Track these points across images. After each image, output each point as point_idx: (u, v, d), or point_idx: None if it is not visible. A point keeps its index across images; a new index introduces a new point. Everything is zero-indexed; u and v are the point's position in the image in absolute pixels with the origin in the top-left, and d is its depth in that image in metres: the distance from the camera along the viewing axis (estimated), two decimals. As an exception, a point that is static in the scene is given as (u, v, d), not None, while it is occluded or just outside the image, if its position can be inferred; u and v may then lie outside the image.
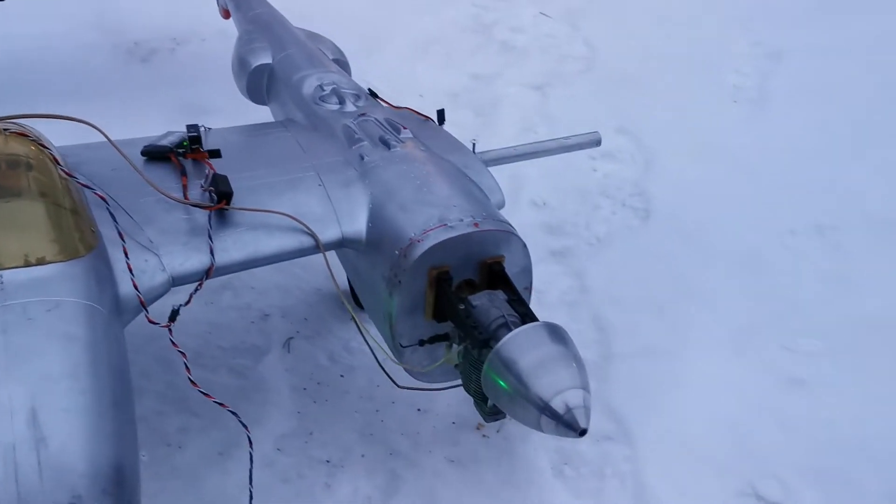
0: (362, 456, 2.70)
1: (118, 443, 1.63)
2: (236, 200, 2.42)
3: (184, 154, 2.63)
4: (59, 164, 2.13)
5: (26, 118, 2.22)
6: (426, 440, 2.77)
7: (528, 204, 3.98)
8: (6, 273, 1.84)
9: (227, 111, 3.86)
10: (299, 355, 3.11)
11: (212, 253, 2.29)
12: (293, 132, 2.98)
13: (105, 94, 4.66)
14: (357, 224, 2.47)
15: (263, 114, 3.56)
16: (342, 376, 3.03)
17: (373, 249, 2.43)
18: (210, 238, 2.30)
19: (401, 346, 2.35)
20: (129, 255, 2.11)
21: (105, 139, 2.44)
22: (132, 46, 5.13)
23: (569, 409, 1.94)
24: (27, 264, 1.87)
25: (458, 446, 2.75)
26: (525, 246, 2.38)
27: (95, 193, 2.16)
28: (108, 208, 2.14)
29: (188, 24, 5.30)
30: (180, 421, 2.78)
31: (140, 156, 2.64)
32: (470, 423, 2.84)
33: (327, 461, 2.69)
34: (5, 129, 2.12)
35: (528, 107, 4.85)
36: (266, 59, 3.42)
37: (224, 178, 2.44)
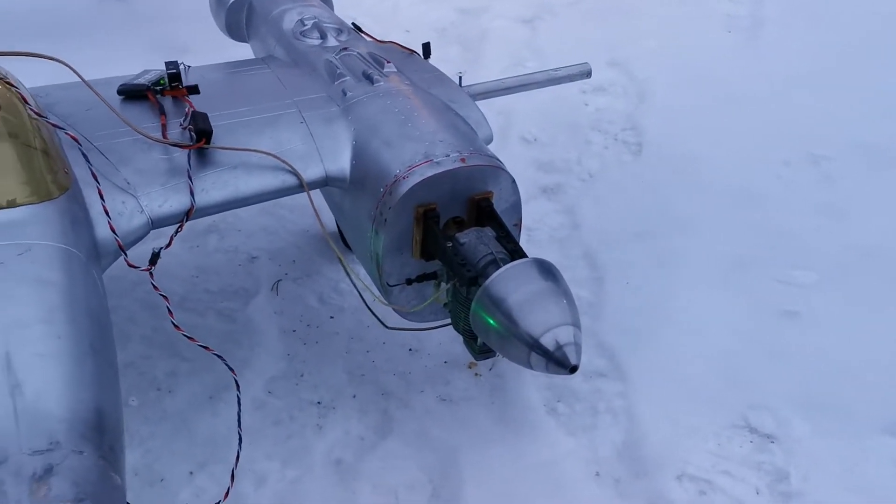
0: (354, 397, 2.69)
1: (97, 388, 1.59)
2: (216, 139, 2.35)
3: (161, 92, 2.54)
4: (27, 103, 2.04)
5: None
6: (418, 380, 2.75)
7: (518, 140, 3.90)
8: (-23, 216, 1.78)
9: (205, 50, 3.73)
10: (288, 297, 3.07)
11: (192, 194, 2.22)
12: (274, 68, 2.89)
13: (80, 33, 4.51)
14: (341, 161, 2.40)
15: (243, 52, 3.46)
16: (332, 318, 3.00)
17: (357, 187, 2.36)
18: (190, 178, 2.23)
19: (388, 285, 2.30)
20: (104, 197, 2.04)
21: (78, 79, 2.36)
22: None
23: (559, 346, 1.90)
24: (-2, 207, 1.81)
25: (450, 385, 2.73)
26: (514, 181, 2.31)
27: (67, 134, 2.08)
28: (80, 149, 2.06)
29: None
30: (169, 365, 2.75)
31: (116, 95, 2.56)
32: (461, 362, 2.82)
33: (318, 403, 2.67)
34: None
35: (516, 41, 4.74)
36: (245, -8, 3.30)
37: (204, 116, 2.36)
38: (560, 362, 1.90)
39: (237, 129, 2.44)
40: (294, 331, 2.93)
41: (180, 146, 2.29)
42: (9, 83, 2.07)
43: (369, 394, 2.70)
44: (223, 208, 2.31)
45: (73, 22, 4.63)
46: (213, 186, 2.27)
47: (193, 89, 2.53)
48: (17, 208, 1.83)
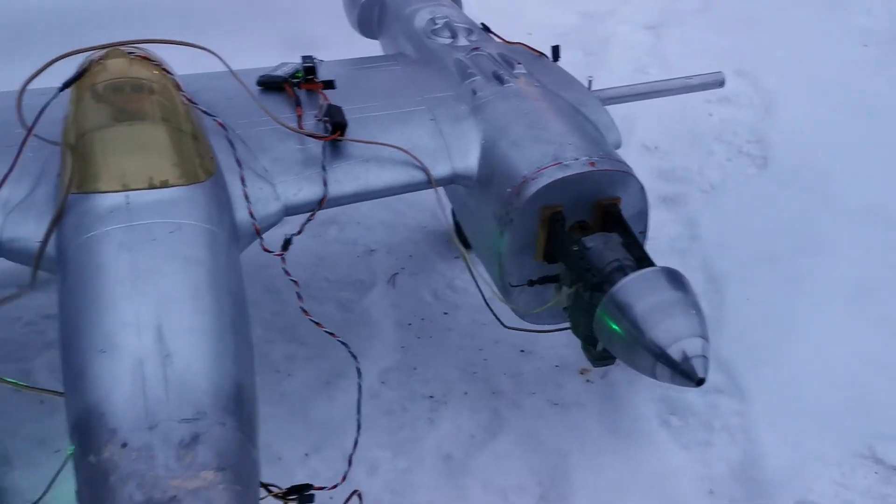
0: (465, 394, 2.71)
1: (237, 363, 1.66)
2: (349, 132, 2.41)
3: (298, 84, 2.63)
4: (180, 89, 2.15)
5: (148, 43, 2.24)
6: (529, 381, 2.75)
7: (638, 147, 3.84)
8: (132, 194, 1.88)
9: (334, 45, 3.84)
10: (404, 291, 3.12)
11: (325, 184, 2.28)
12: (404, 66, 2.94)
13: (212, 25, 4.70)
14: (468, 160, 2.42)
15: (370, 48, 3.53)
16: (446, 314, 3.03)
17: (484, 186, 2.38)
18: (324, 169, 2.30)
19: (510, 285, 2.31)
20: (245, 183, 2.12)
21: (220, 68, 2.46)
22: (243, -20, 5.15)
23: (687, 358, 1.87)
24: (151, 186, 1.91)
25: (562, 389, 2.72)
26: (643, 188, 2.29)
27: (216, 120, 2.18)
28: (226, 136, 2.15)
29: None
30: (288, 349, 2.84)
31: (255, 85, 2.65)
32: (573, 366, 2.80)
33: (430, 397, 2.70)
34: (130, 53, 2.15)
35: (639, 47, 4.66)
36: (377, -10, 3.37)
37: (339, 109, 2.42)
38: (687, 374, 1.86)
39: (369, 124, 2.50)
40: (409, 324, 2.97)
41: (316, 137, 2.36)
42: (164, 70, 2.18)
43: (480, 392, 2.72)
44: (353, 200, 2.37)
45: (209, 13, 4.81)
46: (346, 178, 2.33)
47: (330, 84, 2.60)
48: (170, 189, 1.92)
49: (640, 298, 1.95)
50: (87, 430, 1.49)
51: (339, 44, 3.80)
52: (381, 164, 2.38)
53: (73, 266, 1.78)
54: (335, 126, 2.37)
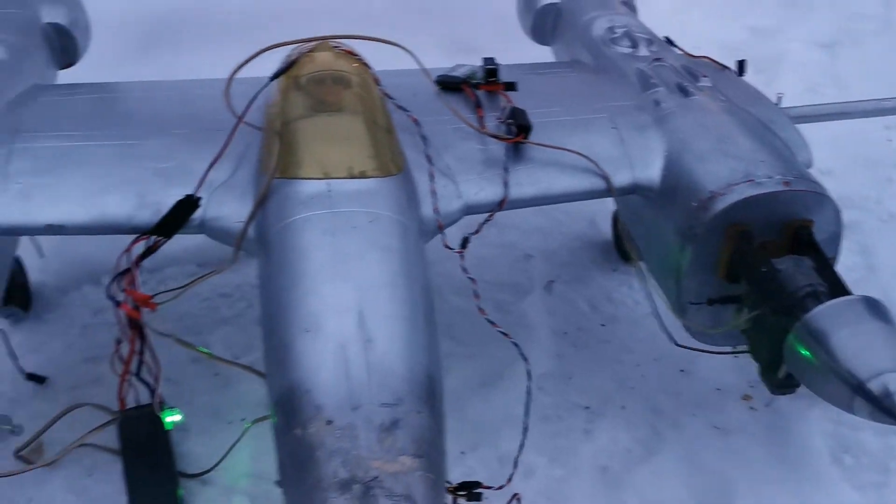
0: (622, 408, 2.66)
1: (429, 355, 1.69)
2: (531, 136, 2.41)
3: (477, 86, 2.65)
4: (379, 84, 2.22)
5: (349, 38, 2.32)
6: (689, 402, 2.68)
7: (811, 170, 3.67)
8: (333, 182, 1.95)
9: (493, 50, 3.86)
10: (560, 299, 3.11)
11: (506, 185, 2.30)
12: (581, 73, 2.93)
13: (378, 24, 4.82)
14: (651, 171, 2.38)
15: (529, 53, 3.51)
16: (603, 325, 2.99)
17: (665, 199, 2.33)
18: (506, 170, 2.31)
19: (688, 302, 2.25)
20: (434, 179, 2.16)
21: (402, 67, 2.52)
22: (406, -18, 5.27)
23: (889, 394, 1.76)
24: (351, 176, 1.97)
25: (723, 414, 2.63)
26: (839, 212, 2.19)
27: (410, 116, 2.23)
28: (419, 131, 2.20)
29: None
30: (445, 347, 2.82)
31: (433, 85, 2.70)
32: (735, 391, 2.71)
33: (587, 407, 2.67)
34: (335, 47, 2.23)
35: (812, 66, 4.49)
36: (553, -2, 3.37)
37: (523, 112, 2.43)
38: (889, 411, 1.76)
39: (550, 128, 2.49)
40: (565, 333, 2.96)
41: (500, 139, 2.37)
42: (365, 65, 2.25)
43: (638, 407, 2.67)
44: (533, 203, 2.37)
45: (372, 12, 4.95)
46: (526, 181, 2.34)
47: (511, 86, 2.61)
48: (367, 179, 1.98)
49: (839, 327, 1.86)
50: (292, 405, 1.55)
51: (496, 49, 3.83)
52: (562, 169, 2.37)
53: (277, 247, 1.87)
54: (519, 128, 2.38)
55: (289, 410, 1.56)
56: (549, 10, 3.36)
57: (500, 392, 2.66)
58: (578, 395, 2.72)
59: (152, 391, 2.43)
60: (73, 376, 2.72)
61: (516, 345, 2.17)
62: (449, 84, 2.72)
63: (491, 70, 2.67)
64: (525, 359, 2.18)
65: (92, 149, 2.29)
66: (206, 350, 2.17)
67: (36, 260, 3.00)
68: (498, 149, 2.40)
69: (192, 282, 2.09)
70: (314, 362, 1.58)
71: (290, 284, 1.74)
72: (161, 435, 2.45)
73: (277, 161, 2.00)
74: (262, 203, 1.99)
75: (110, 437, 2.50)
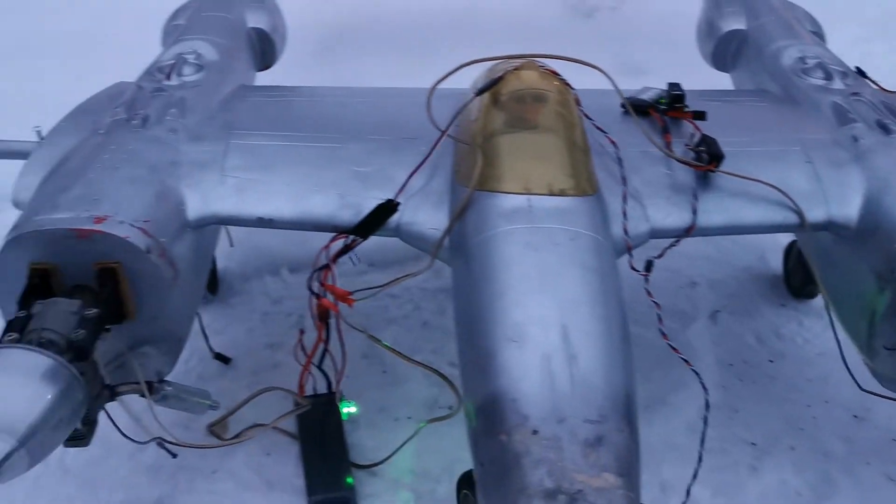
0: (791, 448, 2.59)
1: (627, 374, 1.71)
2: (722, 165, 2.39)
3: (665, 111, 2.65)
4: (579, 105, 2.26)
5: (549, 58, 2.37)
6: (863, 449, 2.58)
7: None
8: (534, 198, 2.00)
9: (664, 73, 3.84)
10: (726, 330, 3.06)
11: (694, 212, 2.29)
12: (770, 103, 2.88)
13: (547, 46, 4.88)
14: (848, 209, 2.31)
15: (701, 77, 3.46)
16: (771, 361, 2.93)
17: (863, 239, 2.26)
18: (695, 197, 2.31)
19: (882, 347, 2.18)
20: (626, 200, 2.19)
21: (591, 88, 2.54)
22: (577, 2, 5.32)
23: None
24: (551, 193, 2.02)
25: (901, 466, 2.52)
26: None
27: (608, 138, 2.27)
28: (616, 154, 2.24)
29: (635, -16, 5.37)
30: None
31: (618, 107, 2.72)
32: (915, 444, 2.59)
33: (753, 444, 2.62)
34: (540, 66, 2.30)
35: None
36: (738, 24, 3.33)
37: (714, 141, 2.41)
38: None
39: (738, 158, 2.45)
40: (731, 364, 2.91)
41: (692, 165, 2.36)
42: (567, 85, 2.30)
43: (808, 450, 2.59)
44: (720, 232, 2.36)
45: (542, 34, 5.01)
46: (715, 209, 2.32)
47: (701, 115, 2.59)
48: (567, 197, 2.02)
49: None
50: (496, 411, 1.61)
51: (668, 73, 3.80)
52: (752, 200, 2.34)
53: (478, 257, 1.93)
54: (711, 157, 2.36)
55: (492, 416, 1.61)
56: (733, 36, 3.32)
57: (662, 417, 2.65)
58: (744, 430, 2.66)
59: (330, 383, 2.58)
60: (254, 360, 2.89)
61: (697, 374, 2.16)
62: (636, 107, 2.74)
63: (678, 96, 2.67)
64: (705, 388, 2.17)
65: (298, 150, 2.44)
66: (394, 348, 2.26)
67: (223, 248, 3.21)
68: (686, 175, 2.39)
69: (390, 283, 2.19)
70: (520, 372, 1.63)
71: (493, 294, 1.80)
72: (337, 424, 2.59)
73: (479, 174, 2.07)
74: (461, 213, 2.07)
75: (288, 420, 2.66)
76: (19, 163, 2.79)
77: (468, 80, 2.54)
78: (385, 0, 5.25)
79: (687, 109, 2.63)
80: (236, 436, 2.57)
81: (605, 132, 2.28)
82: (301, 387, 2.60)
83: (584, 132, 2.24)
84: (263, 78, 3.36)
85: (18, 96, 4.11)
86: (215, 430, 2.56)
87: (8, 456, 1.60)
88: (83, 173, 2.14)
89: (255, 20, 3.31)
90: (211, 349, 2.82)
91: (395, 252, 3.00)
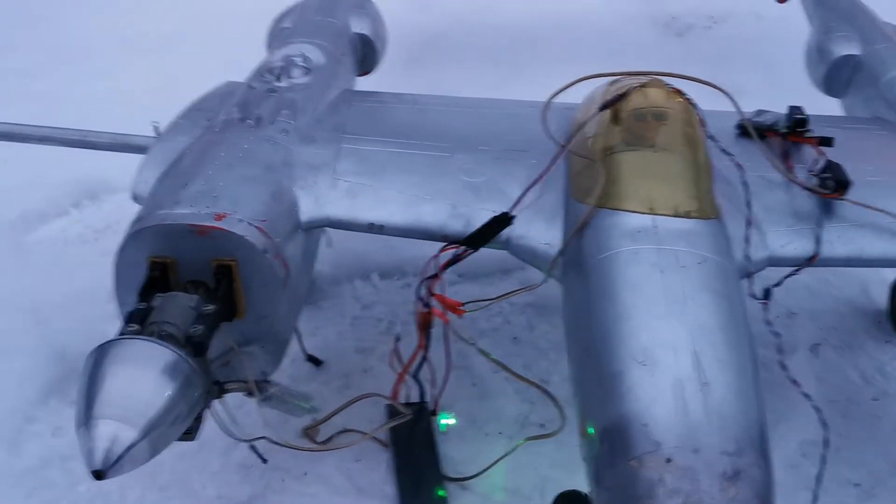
0: (899, 491, 2.49)
1: (760, 406, 1.65)
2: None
3: (785, 136, 2.57)
4: (704, 125, 2.21)
5: (666, 76, 2.32)
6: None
7: None
8: (658, 218, 1.95)
9: (757, 94, 3.74)
10: (827, 364, 2.95)
11: (818, 241, 2.21)
12: (889, 132, 2.78)
13: (638, 63, 4.81)
14: None
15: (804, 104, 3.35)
16: (875, 400, 2.82)
17: None
18: (819, 226, 2.23)
19: None
20: (751, 226, 2.12)
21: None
22: (669, 20, 5.24)
23: None
24: (676, 214, 1.97)
25: None
26: None
27: (733, 161, 2.21)
28: (742, 177, 2.17)
29: (726, 4, 5.26)
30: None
31: (732, 129, 2.65)
32: None
33: (857, 485, 2.52)
34: (667, 85, 2.25)
35: None
36: (852, 50, 3.22)
37: (839, 167, 2.33)
38: None
39: (862, 187, 2.37)
40: (833, 401, 2.80)
41: (818, 193, 2.29)
42: (692, 104, 2.25)
43: (917, 495, 2.48)
44: (843, 264, 2.27)
45: (634, 51, 4.94)
46: (838, 240, 2.24)
47: (827, 141, 2.50)
48: (692, 220, 1.97)
49: None
50: (624, 435, 1.56)
51: (761, 95, 3.70)
52: (877, 232, 2.25)
53: (599, 275, 1.89)
54: (838, 184, 2.28)
55: (620, 440, 1.57)
56: (846, 62, 3.21)
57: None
58: (847, 470, 2.56)
59: (423, 392, 2.56)
60: (344, 364, 2.89)
61: (818, 410, 2.09)
62: (750, 130, 2.66)
63: (801, 120, 2.58)
64: (825, 425, 2.09)
65: (408, 157, 2.43)
66: (503, 363, 2.23)
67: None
68: (807, 202, 2.31)
69: (503, 296, 2.17)
70: (651, 397, 1.58)
71: (618, 315, 1.76)
72: (430, 434, 2.57)
73: (601, 191, 2.03)
74: (580, 230, 2.03)
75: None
76: (124, 155, 2.90)
77: (575, 95, 2.52)
78: (477, 12, 5.23)
79: (810, 135, 2.55)
80: (328, 440, 2.59)
81: (731, 154, 2.22)
82: (395, 395, 2.58)
83: (708, 154, 2.18)
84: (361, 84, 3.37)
85: (137, 92, 4.18)
86: (310, 432, 2.57)
87: (130, 447, 1.61)
88: (202, 170, 2.16)
89: (359, 26, 3.31)
90: (304, 351, 2.83)
91: (480, 264, 2.97)
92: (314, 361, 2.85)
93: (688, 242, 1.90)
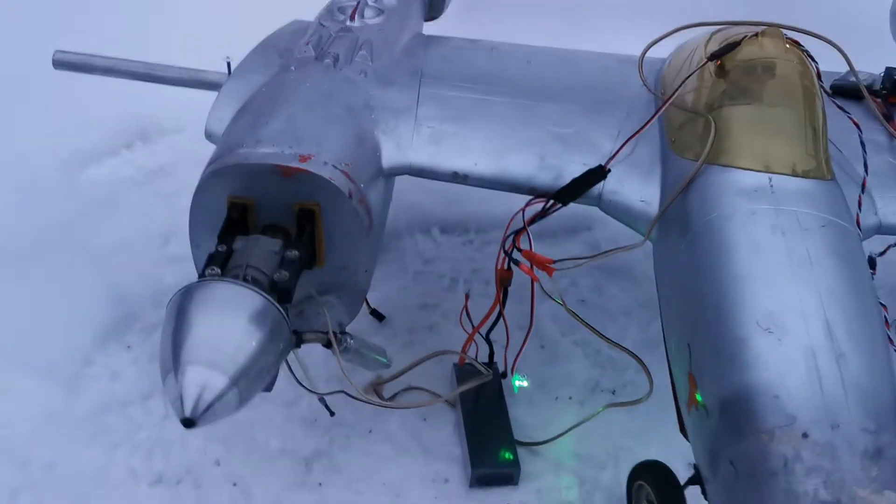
0: None
1: (894, 381, 1.53)
2: (963, 160, 2.17)
3: (887, 97, 2.43)
4: (821, 80, 2.07)
5: (785, 28, 2.17)
6: None
7: None
8: (775, 177, 1.83)
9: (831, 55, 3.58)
10: None
11: (929, 211, 2.08)
12: None
13: (710, 15, 4.63)
14: None
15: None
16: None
17: None
18: None
19: None
20: (864, 189, 1.99)
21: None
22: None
23: None
24: (794, 173, 1.84)
25: None
26: None
27: (851, 119, 2.08)
28: (860, 137, 2.04)
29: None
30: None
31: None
32: None
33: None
34: (786, 37, 2.10)
35: None
36: (945, 11, 3.05)
37: (958, 132, 2.19)
38: None
39: None
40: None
41: (930, 158, 2.16)
42: (811, 57, 2.10)
43: None
44: None
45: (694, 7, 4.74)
46: None
47: (932, 104, 2.37)
48: (811, 180, 1.84)
49: None
50: (751, 407, 1.45)
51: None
52: None
53: (711, 236, 1.77)
54: (952, 151, 2.15)
55: (746, 412, 1.46)
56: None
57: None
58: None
59: (492, 352, 2.47)
60: (408, 319, 2.79)
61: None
62: (845, 91, 2.52)
63: (896, 81, 2.44)
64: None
65: (492, 104, 2.31)
66: (591, 325, 2.13)
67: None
68: (911, 167, 2.18)
69: (598, 255, 2.06)
70: (782, 367, 1.47)
71: (737, 278, 1.64)
72: (500, 396, 2.48)
73: (711, 146, 1.90)
74: (685, 187, 1.90)
75: (440, 385, 2.56)
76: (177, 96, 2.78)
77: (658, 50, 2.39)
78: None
79: (912, 97, 2.41)
80: (394, 396, 2.52)
81: (847, 112, 2.08)
82: (463, 354, 2.50)
83: (825, 111, 2.04)
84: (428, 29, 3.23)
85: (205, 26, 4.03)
86: (377, 388, 2.49)
87: (221, 395, 1.53)
88: (282, 109, 2.05)
89: (425, -33, 3.16)
90: (368, 304, 2.73)
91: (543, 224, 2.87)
92: (377, 316, 2.76)
93: (808, 204, 1.77)
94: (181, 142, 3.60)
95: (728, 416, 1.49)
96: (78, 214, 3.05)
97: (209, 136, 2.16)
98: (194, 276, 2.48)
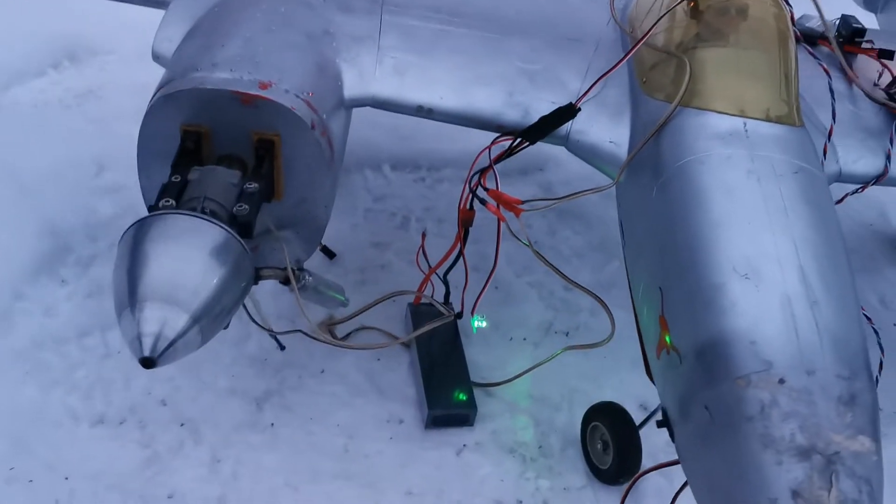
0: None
1: (862, 327, 1.54)
2: (910, 113, 2.19)
3: (842, 45, 2.42)
4: (794, 25, 2.04)
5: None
6: None
7: None
8: (749, 122, 1.80)
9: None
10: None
11: (888, 159, 2.11)
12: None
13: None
14: None
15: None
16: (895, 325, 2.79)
17: None
18: (891, 142, 2.12)
19: None
20: (831, 137, 2.00)
21: None
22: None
23: None
24: (767, 119, 1.82)
25: None
26: None
27: (821, 65, 2.07)
28: (829, 83, 2.03)
29: None
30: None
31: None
32: None
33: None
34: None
35: None
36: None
37: (939, 83, 2.21)
38: None
39: None
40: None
41: (890, 107, 2.17)
42: (786, 2, 2.08)
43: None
44: None
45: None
46: None
47: (888, 54, 2.37)
48: (784, 126, 1.82)
49: None
50: (727, 353, 1.44)
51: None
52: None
53: (684, 180, 1.74)
54: (907, 99, 2.17)
55: (722, 357, 1.45)
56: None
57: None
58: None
59: (448, 293, 2.43)
60: (359, 257, 2.72)
61: (877, 332, 2.02)
62: (806, 37, 2.51)
63: (859, 30, 2.44)
64: (882, 349, 2.02)
65: (457, 36, 2.21)
66: (555, 266, 2.10)
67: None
68: (876, 117, 2.20)
69: (567, 196, 2.01)
70: (758, 313, 1.47)
71: (713, 223, 1.62)
72: (456, 338, 2.45)
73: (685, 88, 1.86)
74: (659, 129, 1.87)
75: (394, 325, 2.51)
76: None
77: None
78: None
79: (868, 46, 2.42)
80: (347, 336, 2.45)
81: (817, 58, 2.07)
82: (419, 295, 2.45)
83: (797, 57, 2.02)
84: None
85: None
86: (330, 328, 2.42)
87: (182, 333, 1.45)
88: (238, 31, 1.91)
89: None
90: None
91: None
92: (327, 253, 2.68)
93: (782, 150, 1.75)
94: (113, 63, 3.40)
95: (703, 361, 1.49)
96: (1, 139, 2.85)
97: (157, 57, 2.01)
98: (133, 207, 2.35)
